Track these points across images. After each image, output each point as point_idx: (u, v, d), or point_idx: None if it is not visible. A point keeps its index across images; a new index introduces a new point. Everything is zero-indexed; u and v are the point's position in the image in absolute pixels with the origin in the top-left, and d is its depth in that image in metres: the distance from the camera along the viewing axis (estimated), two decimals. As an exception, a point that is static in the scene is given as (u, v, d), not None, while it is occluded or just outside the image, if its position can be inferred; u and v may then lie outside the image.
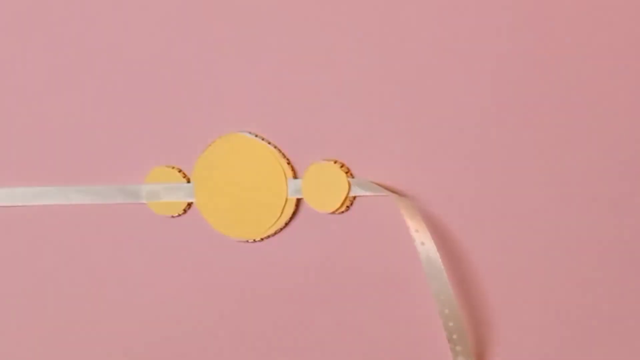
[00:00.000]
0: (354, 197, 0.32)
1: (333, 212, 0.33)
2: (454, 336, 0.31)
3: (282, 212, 0.33)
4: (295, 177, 0.33)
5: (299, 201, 0.33)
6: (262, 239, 0.34)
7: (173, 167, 0.34)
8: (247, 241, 0.34)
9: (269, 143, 0.33)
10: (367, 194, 0.32)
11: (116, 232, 0.35)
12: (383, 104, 0.32)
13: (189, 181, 0.34)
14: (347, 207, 0.32)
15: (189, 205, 0.34)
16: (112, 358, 0.36)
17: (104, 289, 0.36)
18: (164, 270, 0.35)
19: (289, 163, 0.33)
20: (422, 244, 0.30)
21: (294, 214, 0.33)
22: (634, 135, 0.30)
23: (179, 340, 0.35)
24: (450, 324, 0.30)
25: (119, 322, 0.36)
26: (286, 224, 0.33)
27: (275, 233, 0.33)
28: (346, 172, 0.32)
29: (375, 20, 0.31)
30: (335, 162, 0.32)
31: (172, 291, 0.35)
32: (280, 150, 0.33)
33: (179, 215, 0.34)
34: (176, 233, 0.34)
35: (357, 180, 0.32)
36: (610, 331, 0.31)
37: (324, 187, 0.32)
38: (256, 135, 0.33)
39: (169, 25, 0.33)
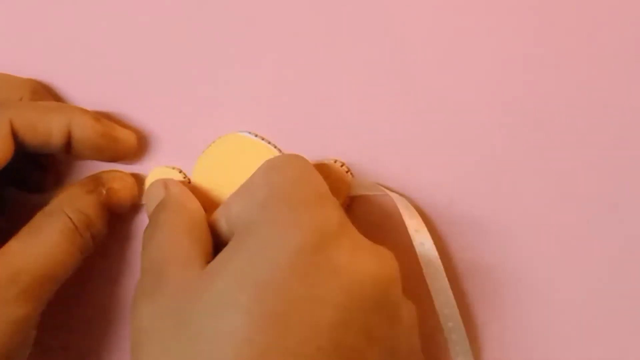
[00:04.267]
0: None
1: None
2: (454, 336, 0.31)
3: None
4: (295, 177, 0.33)
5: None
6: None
7: (173, 168, 0.34)
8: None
9: (269, 143, 0.33)
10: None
11: (115, 232, 0.35)
12: (384, 104, 0.32)
13: (189, 182, 0.34)
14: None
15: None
16: (109, 357, 0.36)
17: (101, 287, 0.36)
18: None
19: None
20: (422, 244, 0.30)
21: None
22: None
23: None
24: (450, 324, 0.30)
25: (116, 321, 0.36)
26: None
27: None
28: (346, 172, 0.32)
29: (375, 20, 0.31)
30: (335, 161, 0.32)
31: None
32: (280, 150, 0.33)
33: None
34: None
35: (357, 180, 0.32)
36: (611, 331, 0.31)
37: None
38: (256, 135, 0.33)
39: (169, 24, 0.33)
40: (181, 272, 0.26)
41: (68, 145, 0.31)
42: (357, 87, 0.32)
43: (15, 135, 0.29)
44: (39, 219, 0.30)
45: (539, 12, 0.30)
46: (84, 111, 0.31)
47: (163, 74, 0.33)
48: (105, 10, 0.33)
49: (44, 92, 0.33)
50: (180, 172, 0.34)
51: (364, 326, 0.24)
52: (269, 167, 0.28)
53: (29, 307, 0.29)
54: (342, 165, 0.32)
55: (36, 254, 0.29)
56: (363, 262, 0.25)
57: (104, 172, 0.32)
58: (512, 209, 0.31)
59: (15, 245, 0.29)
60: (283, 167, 0.28)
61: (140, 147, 0.34)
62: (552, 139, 0.30)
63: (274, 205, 0.26)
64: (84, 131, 0.31)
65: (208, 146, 0.33)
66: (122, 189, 0.32)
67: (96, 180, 0.32)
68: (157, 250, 0.27)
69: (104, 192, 0.32)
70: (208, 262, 0.26)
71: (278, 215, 0.25)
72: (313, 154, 0.33)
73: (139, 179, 0.34)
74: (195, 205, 0.30)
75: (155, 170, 0.34)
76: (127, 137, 0.32)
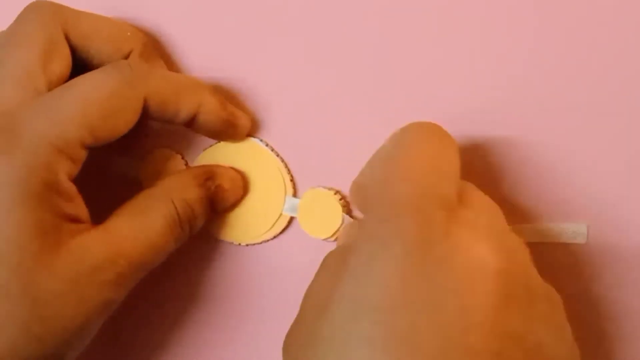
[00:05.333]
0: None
1: (324, 239, 0.32)
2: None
3: (272, 226, 0.33)
4: (294, 195, 0.32)
5: (291, 219, 0.33)
6: (247, 245, 0.33)
7: (177, 152, 0.33)
8: (232, 243, 0.33)
9: (277, 155, 0.32)
10: None
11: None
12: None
13: (189, 169, 0.33)
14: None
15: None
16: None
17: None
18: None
19: (292, 180, 0.32)
20: None
21: (284, 229, 0.33)
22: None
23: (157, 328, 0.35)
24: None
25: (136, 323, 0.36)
26: (274, 237, 0.33)
27: (262, 243, 0.33)
28: (344, 206, 0.31)
29: (392, 50, 0.30)
30: (335, 192, 0.32)
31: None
32: (286, 165, 0.32)
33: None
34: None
35: (347, 218, 0.31)
36: (610, 331, 0.30)
37: (318, 214, 0.32)
38: (267, 145, 0.32)
39: (196, 21, 0.33)
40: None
41: (191, 123, 0.31)
42: (380, 125, 0.31)
43: (145, 107, 0.29)
44: (144, 200, 0.29)
45: (538, 11, 0.28)
46: (213, 93, 0.31)
47: (188, 63, 0.33)
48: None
49: (152, 47, 0.32)
50: (183, 158, 0.33)
51: (498, 326, 0.21)
52: (371, 160, 0.26)
53: (120, 292, 0.28)
54: (340, 199, 0.31)
55: (139, 239, 0.28)
56: (478, 257, 0.22)
57: (218, 167, 0.32)
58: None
59: (119, 224, 0.28)
60: (376, 162, 0.26)
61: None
62: (554, 142, 0.29)
63: (368, 216, 0.24)
64: (209, 116, 0.30)
65: (215, 143, 0.33)
66: (230, 190, 0.32)
67: (208, 174, 0.31)
68: (316, 295, 0.26)
69: (213, 188, 0.31)
70: None
71: (373, 229, 0.23)
72: (318, 178, 0.32)
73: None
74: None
75: (156, 152, 0.33)
76: (245, 124, 0.32)
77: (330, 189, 0.32)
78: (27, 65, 0.28)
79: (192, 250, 0.34)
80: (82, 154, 0.28)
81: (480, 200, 0.25)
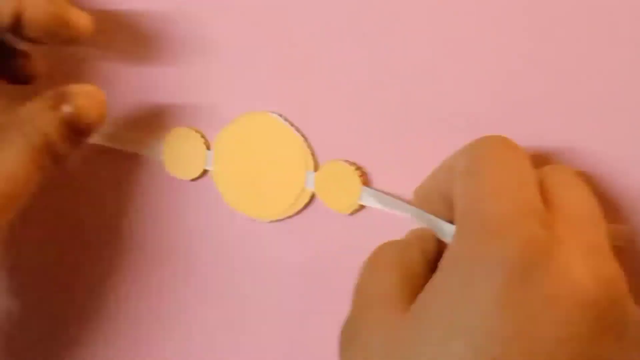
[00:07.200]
0: (362, 207, 0.32)
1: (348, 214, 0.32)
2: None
3: (295, 201, 0.33)
4: (315, 169, 0.32)
5: (314, 194, 0.33)
6: (270, 222, 0.33)
7: (196, 131, 0.34)
8: (254, 220, 0.33)
9: (297, 130, 0.32)
10: (377, 206, 0.31)
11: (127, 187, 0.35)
12: (421, 124, 0.31)
13: (208, 148, 0.33)
14: (356, 210, 0.32)
15: (204, 172, 0.34)
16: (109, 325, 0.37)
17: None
18: (162, 230, 0.35)
19: (312, 154, 0.32)
20: None
21: (307, 205, 0.33)
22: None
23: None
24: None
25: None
26: (296, 213, 0.33)
27: (284, 219, 0.33)
28: (362, 178, 0.31)
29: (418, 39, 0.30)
30: (355, 166, 0.31)
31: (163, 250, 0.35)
32: (306, 139, 0.32)
33: (192, 180, 0.34)
34: (183, 197, 0.34)
35: (369, 190, 0.31)
36: None
37: (336, 187, 0.32)
38: (286, 119, 0.32)
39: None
40: (383, 316, 0.25)
41: (20, 27, 0.28)
42: (402, 101, 0.31)
43: None
44: None
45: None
46: None
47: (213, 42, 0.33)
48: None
49: None
50: (202, 136, 0.34)
51: (593, 354, 0.22)
52: (466, 168, 0.25)
53: None
54: (356, 169, 0.31)
55: None
56: (578, 285, 0.22)
57: (71, 85, 0.29)
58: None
59: None
60: (480, 169, 0.25)
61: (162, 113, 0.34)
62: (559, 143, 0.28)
63: (460, 234, 0.24)
64: (34, 13, 0.28)
65: (235, 119, 0.33)
66: (89, 107, 0.29)
67: (60, 96, 0.29)
68: (364, 288, 0.27)
69: (69, 109, 0.29)
70: (416, 294, 0.25)
71: (469, 250, 0.23)
72: (338, 151, 0.32)
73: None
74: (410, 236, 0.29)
75: (174, 131, 0.34)
76: (85, 25, 0.30)
77: (350, 162, 0.32)
78: None
79: (208, 224, 0.34)
80: None
81: (572, 207, 0.25)
